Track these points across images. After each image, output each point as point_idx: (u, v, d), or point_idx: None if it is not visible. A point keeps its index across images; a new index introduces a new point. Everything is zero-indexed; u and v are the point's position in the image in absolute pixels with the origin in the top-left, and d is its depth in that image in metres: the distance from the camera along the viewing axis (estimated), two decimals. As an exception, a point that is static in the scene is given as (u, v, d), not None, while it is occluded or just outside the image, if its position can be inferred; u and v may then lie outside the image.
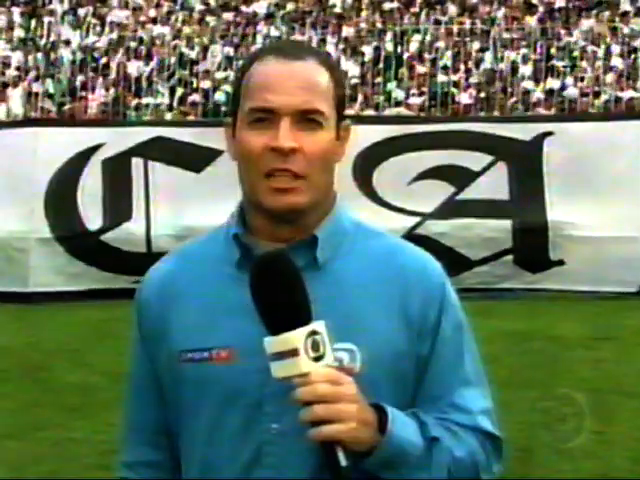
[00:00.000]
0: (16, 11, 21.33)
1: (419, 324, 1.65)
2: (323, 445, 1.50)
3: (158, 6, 21.31)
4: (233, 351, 1.63)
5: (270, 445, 1.62)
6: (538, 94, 17.98)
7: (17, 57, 19.51)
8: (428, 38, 19.91)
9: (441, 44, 19.69)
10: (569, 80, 18.33)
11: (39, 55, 19.53)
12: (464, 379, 1.68)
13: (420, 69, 18.79)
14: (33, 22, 20.94)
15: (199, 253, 1.75)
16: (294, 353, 1.49)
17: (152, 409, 1.76)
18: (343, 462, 1.49)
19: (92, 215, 11.18)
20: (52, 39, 20.19)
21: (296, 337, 1.49)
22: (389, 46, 19.64)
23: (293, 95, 1.60)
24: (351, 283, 1.65)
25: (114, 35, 20.16)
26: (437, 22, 20.38)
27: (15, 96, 18.52)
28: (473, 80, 18.48)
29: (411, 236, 9.93)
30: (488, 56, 19.12)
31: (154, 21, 20.63)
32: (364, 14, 20.94)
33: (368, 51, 19.48)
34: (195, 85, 18.38)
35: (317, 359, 1.49)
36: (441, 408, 1.65)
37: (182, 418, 1.70)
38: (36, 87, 18.80)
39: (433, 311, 1.66)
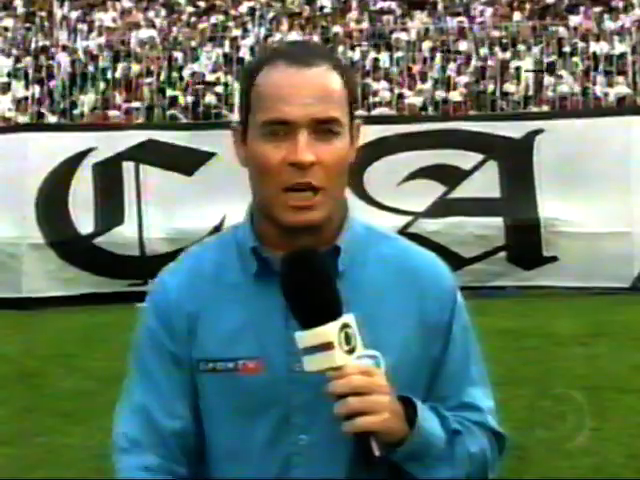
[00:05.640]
0: (6, 15, 21.28)
1: (433, 327, 1.68)
2: (357, 437, 1.52)
3: (146, 9, 21.29)
4: (260, 362, 1.62)
5: (299, 456, 1.62)
6: (527, 91, 18.01)
7: (8, 62, 19.47)
8: (416, 37, 19.93)
9: (430, 43, 19.71)
10: (559, 77, 18.35)
11: (29, 59, 19.49)
12: (471, 379, 1.72)
13: (414, 68, 18.81)
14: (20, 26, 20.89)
15: (213, 263, 1.71)
16: (329, 346, 1.50)
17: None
18: (377, 452, 1.51)
19: (84, 219, 11.15)
20: (41, 43, 20.14)
21: (331, 331, 1.50)
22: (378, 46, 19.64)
23: (308, 105, 1.57)
24: (369, 290, 1.65)
25: (102, 39, 20.14)
26: (425, 21, 20.41)
27: (5, 101, 18.48)
28: (463, 79, 18.49)
29: (403, 235, 9.91)
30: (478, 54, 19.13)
31: (141, 25, 20.62)
32: (352, 15, 20.95)
33: (357, 51, 19.49)
34: (185, 87, 18.35)
35: (349, 352, 1.51)
36: (451, 407, 1.68)
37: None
38: (25, 92, 18.76)
39: (446, 314, 1.69)
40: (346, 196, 1.70)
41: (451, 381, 1.70)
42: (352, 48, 19.59)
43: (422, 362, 1.67)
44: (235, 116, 16.91)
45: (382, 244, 1.71)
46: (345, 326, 1.51)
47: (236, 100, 17.55)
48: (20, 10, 21.60)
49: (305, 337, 1.51)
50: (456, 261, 10.29)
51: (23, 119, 17.23)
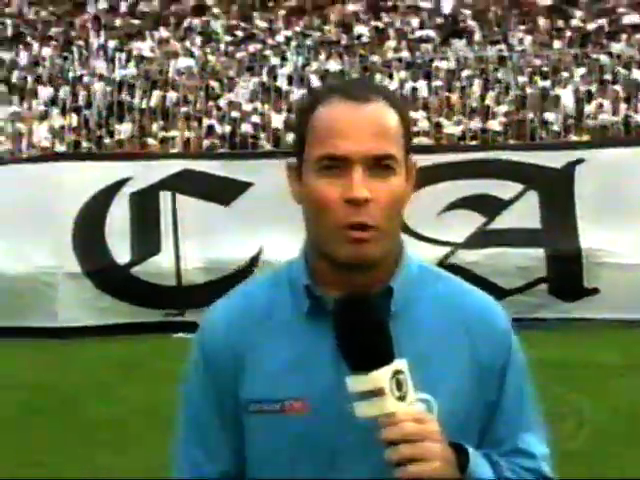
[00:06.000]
0: (47, 46, 21.58)
1: (488, 371, 1.68)
2: None
3: (184, 39, 21.54)
4: (306, 402, 1.63)
5: None
6: (568, 120, 17.97)
7: (47, 91, 19.75)
8: (455, 66, 19.99)
9: (469, 72, 19.75)
10: (599, 105, 18.30)
11: (67, 88, 19.76)
12: (526, 424, 1.72)
13: (452, 97, 18.85)
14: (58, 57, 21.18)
15: (264, 300, 1.71)
16: (380, 392, 1.50)
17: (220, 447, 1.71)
18: None
19: (120, 249, 11.23)
20: (79, 73, 20.42)
21: (382, 376, 1.51)
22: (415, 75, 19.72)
23: (364, 141, 1.58)
24: (422, 331, 1.66)
25: (140, 68, 20.38)
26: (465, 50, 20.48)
27: (42, 130, 18.72)
28: (502, 108, 18.49)
29: (443, 266, 9.92)
30: (517, 83, 19.14)
31: (178, 54, 20.84)
32: (391, 43, 21.06)
33: (395, 80, 19.57)
34: (222, 117, 18.51)
35: (401, 398, 1.51)
36: (505, 452, 1.68)
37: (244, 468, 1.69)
38: (62, 121, 19.00)
39: (501, 358, 1.70)
40: (401, 235, 1.70)
41: (505, 426, 1.69)
42: (390, 77, 19.68)
43: (476, 406, 1.66)
44: (270, 145, 17.05)
45: (435, 284, 1.71)
46: (397, 372, 1.51)
47: (272, 128, 17.68)
48: (58, 39, 21.91)
49: (356, 382, 1.51)
50: (496, 292, 10.19)
51: (60, 148, 17.46)
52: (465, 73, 19.71)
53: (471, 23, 21.55)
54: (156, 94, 19.26)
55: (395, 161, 1.61)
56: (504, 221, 11.01)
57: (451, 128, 17.73)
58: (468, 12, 21.98)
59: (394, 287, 1.65)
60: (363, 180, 1.57)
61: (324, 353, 1.61)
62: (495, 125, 17.84)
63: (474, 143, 16.65)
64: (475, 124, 17.99)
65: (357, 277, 1.62)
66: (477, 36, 21.19)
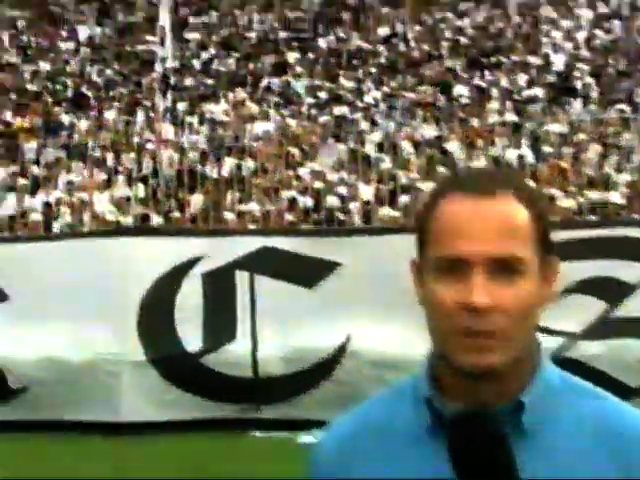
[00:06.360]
0: (110, 108, 22.12)
1: None
2: None
3: (262, 101, 21.91)
4: None
5: None
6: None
7: (110, 158, 20.20)
8: (569, 129, 19.98)
9: (584, 136, 19.72)
10: None
11: (131, 155, 20.17)
12: None
13: (565, 165, 18.82)
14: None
15: (383, 416, 1.75)
16: None
17: None
18: None
19: (191, 335, 11.36)
20: (145, 138, 20.88)
21: None
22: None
23: (486, 241, 1.60)
24: (562, 454, 1.63)
25: (213, 133, 20.76)
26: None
27: (104, 201, 19.05)
28: (625, 177, 18.38)
29: (558, 360, 9.82)
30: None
31: (255, 117, 21.20)
32: (493, 104, 21.17)
33: (498, 146, 19.62)
34: (305, 188, 18.69)
35: None
36: None
37: None
38: (127, 191, 19.36)
39: None
40: (538, 341, 1.70)
41: None
42: (492, 143, 19.74)
43: None
44: (359, 221, 17.16)
45: (579, 400, 1.69)
46: None
47: (361, 201, 17.80)
48: (122, 101, 22.47)
49: None
50: (620, 391, 10.07)
51: (126, 221, 17.76)
52: (579, 137, 19.68)
53: (588, 80, 21.56)
54: (230, 162, 19.57)
55: (523, 264, 1.61)
56: (629, 308, 10.88)
57: (565, 201, 17.66)
58: (585, 67, 22.02)
59: (525, 401, 1.64)
60: (484, 285, 1.58)
61: (444, 473, 1.61)
62: (616, 197, 17.72)
63: (593, 218, 16.54)
64: (593, 196, 17.89)
65: (483, 388, 1.64)
66: (594, 95, 21.17)
